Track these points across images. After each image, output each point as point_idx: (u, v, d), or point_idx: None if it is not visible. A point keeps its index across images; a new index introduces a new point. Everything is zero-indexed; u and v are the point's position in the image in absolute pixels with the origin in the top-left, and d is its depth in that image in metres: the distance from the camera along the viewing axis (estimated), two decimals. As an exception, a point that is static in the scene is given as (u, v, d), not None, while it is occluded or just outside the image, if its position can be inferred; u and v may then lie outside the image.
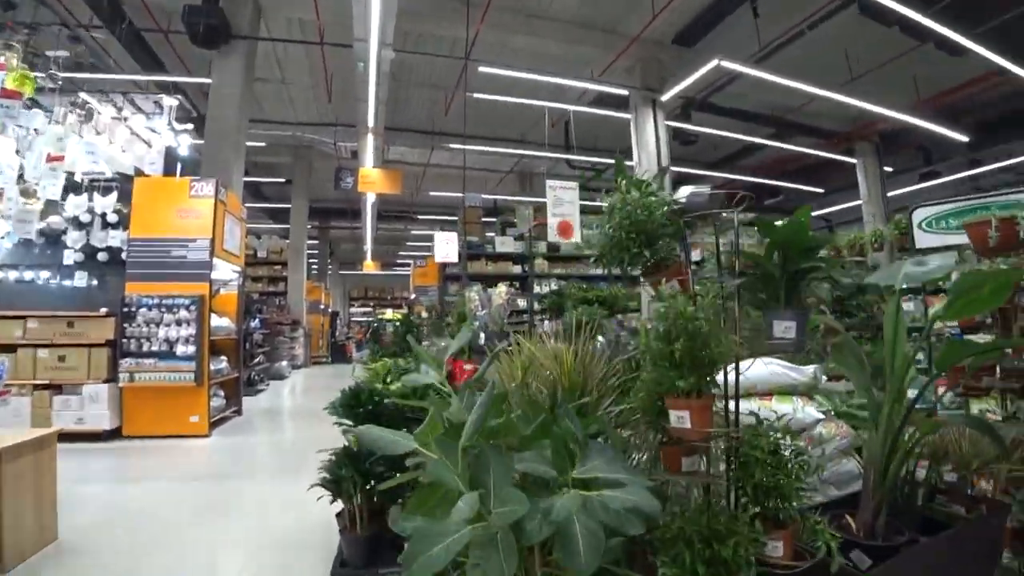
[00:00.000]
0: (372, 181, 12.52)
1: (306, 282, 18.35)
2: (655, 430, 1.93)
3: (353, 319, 33.38)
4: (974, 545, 1.99)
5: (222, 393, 7.83)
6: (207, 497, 4.75)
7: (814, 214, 24.10)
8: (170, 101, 7.73)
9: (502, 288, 5.15)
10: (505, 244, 14.52)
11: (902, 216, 7.93)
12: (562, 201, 10.69)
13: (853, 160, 16.18)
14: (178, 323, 6.76)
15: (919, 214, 3.51)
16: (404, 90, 12.56)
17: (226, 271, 7.99)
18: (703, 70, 9.19)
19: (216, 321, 7.41)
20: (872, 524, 1.90)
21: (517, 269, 14.16)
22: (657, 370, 1.81)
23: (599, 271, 15.68)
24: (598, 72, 10.99)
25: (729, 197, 2.02)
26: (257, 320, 11.71)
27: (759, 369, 2.49)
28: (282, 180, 17.27)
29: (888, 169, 16.46)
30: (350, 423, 3.21)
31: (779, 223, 2.14)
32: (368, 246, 23.71)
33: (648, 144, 11.18)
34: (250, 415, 8.62)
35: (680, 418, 1.71)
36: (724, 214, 2.06)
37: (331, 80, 11.37)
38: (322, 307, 20.86)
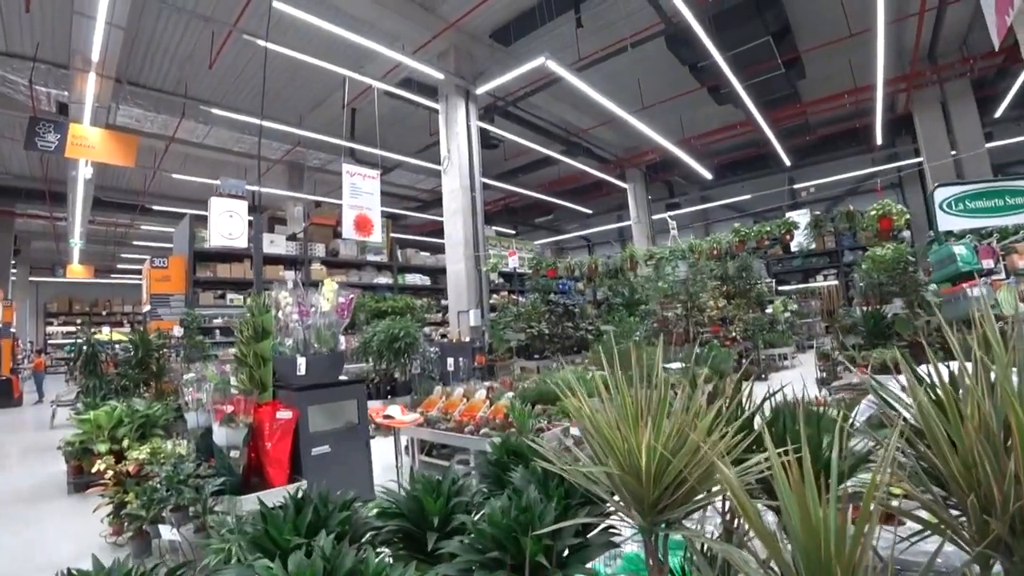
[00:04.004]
0: (90, 145, 9.01)
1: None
2: None
3: (51, 343, 25.48)
4: None
5: None
6: None
7: (577, 234, 26.49)
8: None
9: (332, 285, 3.40)
10: (276, 245, 12.10)
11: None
12: (360, 191, 9.00)
13: (625, 184, 17.74)
14: None
15: (941, 193, 3.12)
16: (153, 18, 9.27)
17: None
18: (529, 65, 8.54)
19: None
20: None
21: (289, 275, 11.95)
22: None
23: (385, 280, 14.19)
24: (410, 50, 9.63)
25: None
26: None
27: None
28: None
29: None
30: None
31: None
32: (76, 244, 17.97)
33: (459, 136, 10.19)
34: None
35: None
36: None
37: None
38: (-2, 324, 14.91)
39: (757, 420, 1.69)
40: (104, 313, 28.04)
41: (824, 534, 0.98)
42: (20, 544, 3.93)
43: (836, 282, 17.25)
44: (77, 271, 20.31)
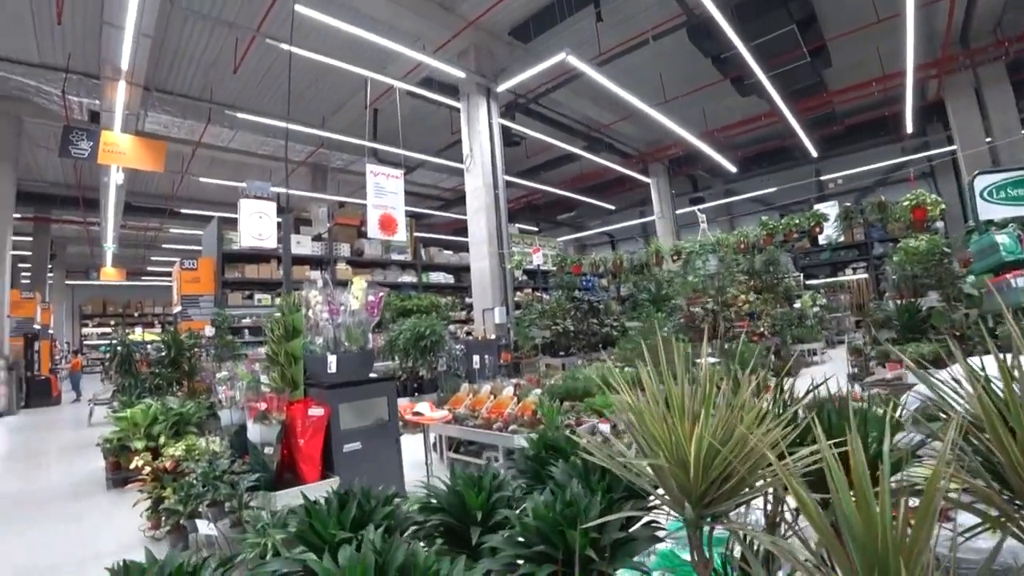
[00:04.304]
0: (121, 151, 9.24)
1: (10, 292, 13.19)
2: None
3: (87, 344, 26.22)
4: None
5: None
6: None
7: (600, 230, 26.34)
8: None
9: (361, 283, 3.42)
10: (302, 246, 12.28)
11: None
12: (385, 191, 9.06)
13: (648, 179, 17.57)
14: None
15: (981, 181, 3.03)
16: (179, 25, 9.46)
17: None
18: (549, 62, 8.52)
19: None
20: None
21: (315, 274, 12.10)
22: None
23: (409, 278, 14.31)
24: (431, 50, 9.67)
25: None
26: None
27: None
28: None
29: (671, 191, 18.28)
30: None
31: None
32: (109, 248, 18.49)
33: (481, 135, 10.21)
34: None
35: None
36: None
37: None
38: (37, 327, 15.37)
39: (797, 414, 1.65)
40: (136, 314, 28.79)
41: (882, 528, 0.95)
42: (63, 537, 4.05)
43: (866, 275, 16.84)
44: (110, 274, 20.84)
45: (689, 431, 1.21)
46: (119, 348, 7.41)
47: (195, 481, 3.09)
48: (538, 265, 12.34)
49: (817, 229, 9.64)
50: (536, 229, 23.01)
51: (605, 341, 9.83)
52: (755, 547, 1.46)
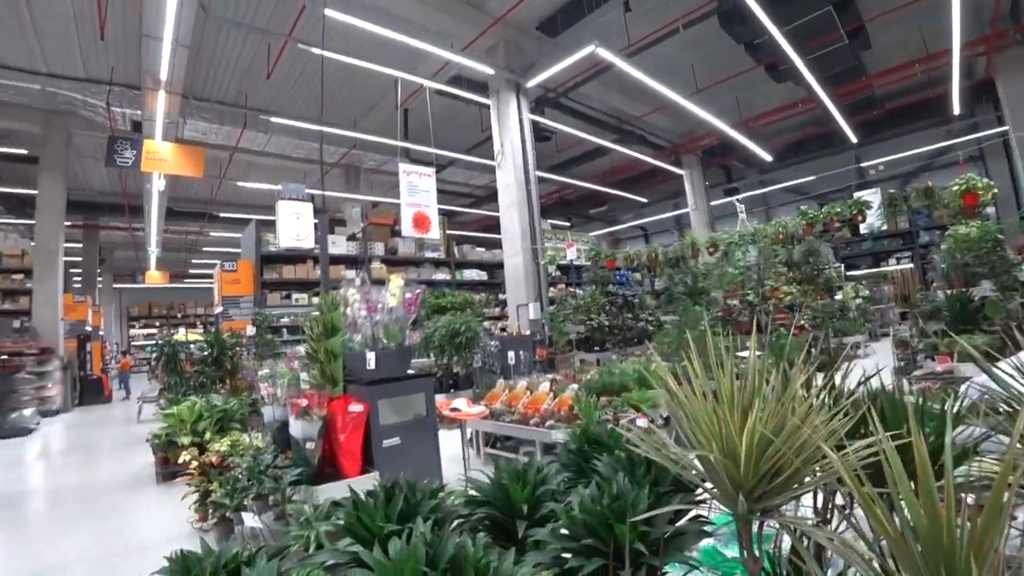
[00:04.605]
0: (163, 159, 9.55)
1: (64, 296, 13.80)
2: None
3: (134, 344, 27.27)
4: None
5: None
6: None
7: (631, 224, 26.03)
8: None
9: (398, 281, 3.46)
10: (337, 245, 12.52)
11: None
12: (417, 189, 9.13)
13: (681, 171, 17.27)
14: None
15: None
16: (214, 34, 9.72)
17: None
18: (578, 55, 8.45)
19: None
20: None
21: (350, 273, 12.37)
22: None
23: (443, 276, 14.43)
24: (459, 48, 9.70)
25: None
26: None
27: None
28: (24, 153, 12.65)
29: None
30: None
31: None
32: (153, 252, 19.22)
33: (512, 131, 10.20)
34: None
35: None
36: None
37: (105, 9, 8.28)
38: (89, 329, 16.07)
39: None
40: (179, 315, 29.81)
41: (948, 525, 0.91)
42: (116, 528, 4.23)
43: (911, 265, 16.22)
44: (155, 277, 21.54)
45: (739, 424, 1.18)
46: (165, 348, 7.69)
47: (240, 475, 3.18)
48: (571, 260, 12.28)
49: (860, 217, 9.32)
50: (568, 224, 22.88)
51: (640, 336, 9.72)
52: (807, 543, 1.42)
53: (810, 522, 1.50)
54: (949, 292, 6.07)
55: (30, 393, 11.04)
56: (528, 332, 9.41)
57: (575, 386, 4.30)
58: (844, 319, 10.65)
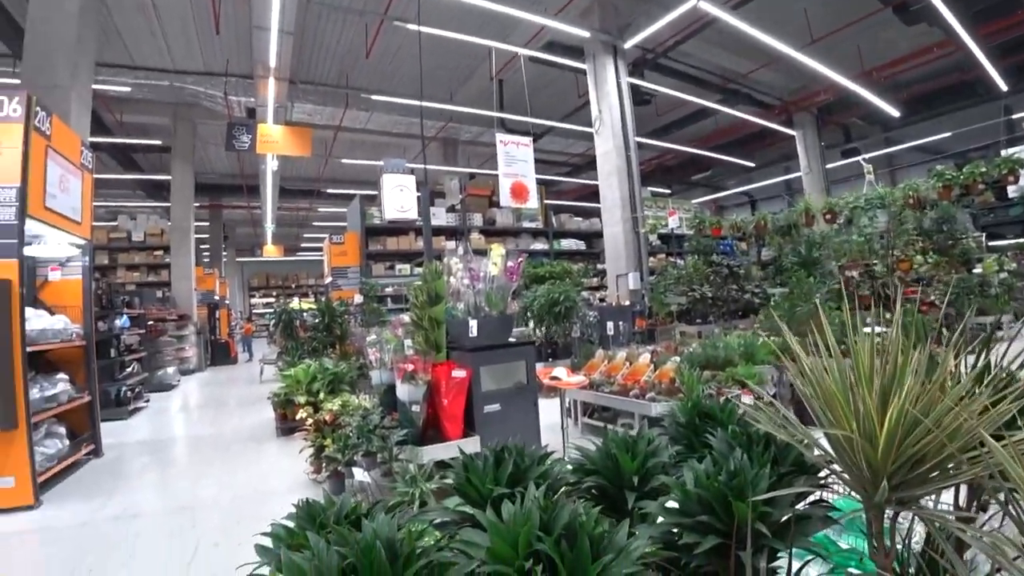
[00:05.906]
0: (275, 140, 10.24)
1: (195, 269, 15.41)
2: None
3: (255, 312, 30.03)
4: None
5: (62, 430, 5.09)
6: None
7: (736, 190, 24.51)
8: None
9: (499, 250, 3.48)
10: (437, 217, 12.89)
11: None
12: (515, 159, 9.10)
13: (792, 132, 15.94)
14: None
15: None
16: (315, 20, 10.18)
17: (57, 244, 5.56)
18: (679, 11, 7.95)
19: (41, 321, 4.91)
20: None
21: (450, 244, 12.74)
22: None
23: (541, 246, 14.45)
24: (552, 12, 9.46)
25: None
26: (124, 318, 8.91)
27: None
28: (158, 143, 14.14)
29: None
30: None
31: None
32: (269, 228, 20.90)
33: (610, 96, 9.88)
34: (117, 455, 5.75)
35: None
36: None
37: (218, 5, 8.92)
38: (217, 298, 17.89)
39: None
40: (293, 286, 32.30)
41: None
42: (244, 476, 4.71)
43: (1072, 231, 14.02)
44: (271, 251, 23.39)
45: (877, 403, 1.06)
46: (282, 316, 8.37)
47: (351, 434, 3.39)
48: (673, 229, 11.80)
49: (1011, 178, 8.13)
50: (669, 192, 21.98)
51: (746, 308, 9.21)
52: (950, 540, 1.27)
53: (952, 517, 1.34)
54: None
55: (172, 354, 12.52)
56: (627, 302, 9.24)
57: (676, 358, 4.15)
58: (984, 295, 9.45)
